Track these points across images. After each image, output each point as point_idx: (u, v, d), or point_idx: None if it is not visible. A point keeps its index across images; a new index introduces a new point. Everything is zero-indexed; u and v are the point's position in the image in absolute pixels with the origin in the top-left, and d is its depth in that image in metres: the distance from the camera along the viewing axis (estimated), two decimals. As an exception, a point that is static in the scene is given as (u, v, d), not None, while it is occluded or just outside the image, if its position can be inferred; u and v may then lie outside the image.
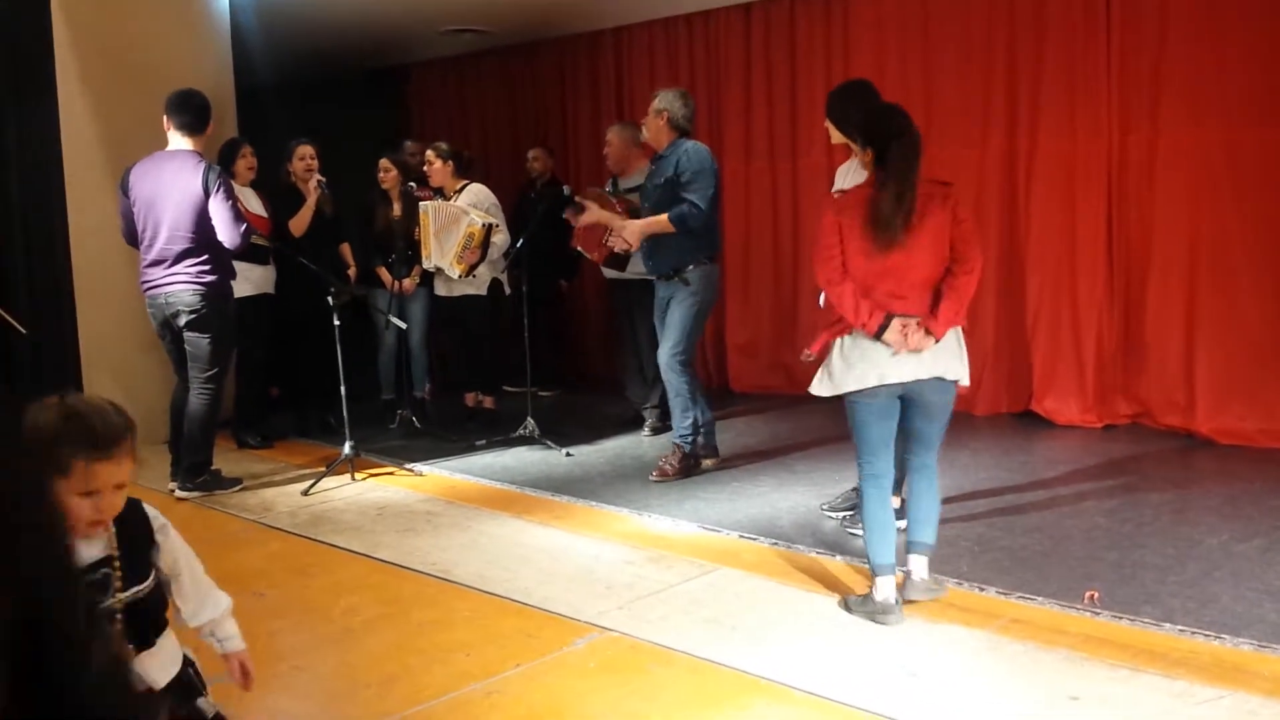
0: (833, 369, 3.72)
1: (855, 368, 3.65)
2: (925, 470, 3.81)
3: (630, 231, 5.62)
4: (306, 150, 6.79)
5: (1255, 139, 5.69)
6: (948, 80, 6.68)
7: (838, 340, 3.71)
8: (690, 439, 5.64)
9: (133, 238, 5.48)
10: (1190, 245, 5.97)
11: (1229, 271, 5.84)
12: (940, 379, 3.68)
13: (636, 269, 6.16)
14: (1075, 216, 6.36)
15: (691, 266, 5.57)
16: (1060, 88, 6.33)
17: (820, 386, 3.77)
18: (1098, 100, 6.20)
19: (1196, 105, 5.87)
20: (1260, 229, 5.73)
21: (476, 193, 6.73)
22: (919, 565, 3.75)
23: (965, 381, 3.75)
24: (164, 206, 5.29)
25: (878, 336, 3.60)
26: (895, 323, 3.58)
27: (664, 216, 5.48)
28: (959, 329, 3.72)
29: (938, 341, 3.62)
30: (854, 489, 4.81)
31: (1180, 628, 3.48)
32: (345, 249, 7.00)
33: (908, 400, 3.71)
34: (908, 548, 3.76)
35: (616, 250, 5.97)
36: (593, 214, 6.01)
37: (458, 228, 6.42)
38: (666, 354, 5.60)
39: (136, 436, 2.06)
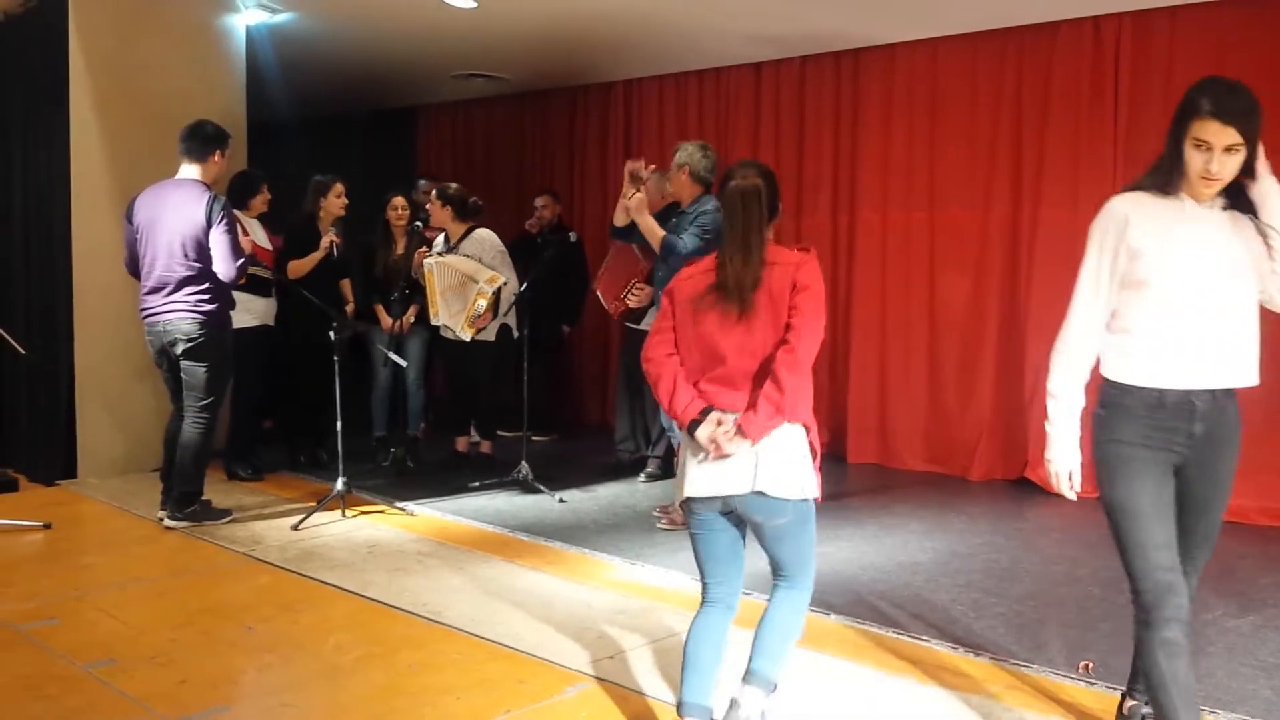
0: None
1: (683, 473, 2.97)
2: (776, 592, 3.04)
3: (635, 201, 5.44)
4: (342, 188, 6.78)
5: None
6: (953, 143, 6.75)
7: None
8: None
9: (135, 268, 5.45)
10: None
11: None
12: (761, 494, 2.83)
13: (650, 323, 6.14)
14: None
15: None
16: (1065, 159, 6.40)
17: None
18: (1103, 174, 6.26)
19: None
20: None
21: (481, 241, 6.50)
22: (751, 700, 2.93)
23: (807, 495, 2.91)
24: (165, 233, 5.28)
25: (690, 432, 2.88)
26: (712, 417, 2.85)
27: (660, 232, 5.43)
28: (800, 428, 2.90)
29: (753, 445, 2.83)
30: None
31: (1176, 702, 3.44)
32: (345, 284, 6.94)
33: (743, 517, 2.96)
34: (744, 676, 2.99)
35: (633, 306, 5.99)
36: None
37: (465, 294, 6.27)
38: None
39: None
